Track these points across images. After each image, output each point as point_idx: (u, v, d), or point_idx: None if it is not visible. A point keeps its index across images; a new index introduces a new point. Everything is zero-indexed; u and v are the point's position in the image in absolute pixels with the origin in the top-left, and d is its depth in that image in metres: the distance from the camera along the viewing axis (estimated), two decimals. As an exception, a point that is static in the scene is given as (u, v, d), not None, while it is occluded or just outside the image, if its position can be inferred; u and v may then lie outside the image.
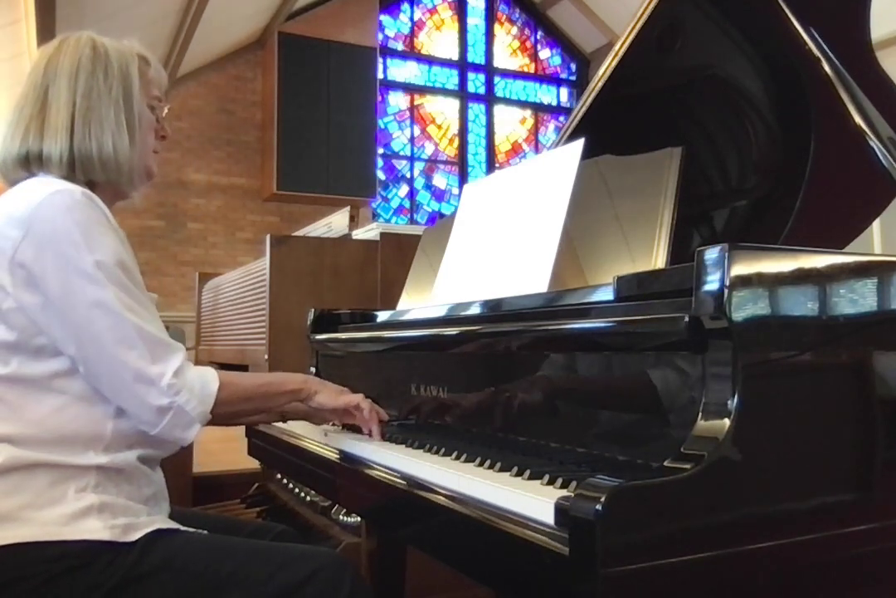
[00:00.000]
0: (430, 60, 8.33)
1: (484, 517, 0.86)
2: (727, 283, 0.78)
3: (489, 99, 8.59)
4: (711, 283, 0.79)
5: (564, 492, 0.82)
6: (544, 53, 8.91)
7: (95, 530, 1.03)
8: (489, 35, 8.59)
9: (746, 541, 0.76)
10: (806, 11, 1.35)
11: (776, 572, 0.78)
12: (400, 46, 8.18)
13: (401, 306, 1.72)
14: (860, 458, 0.85)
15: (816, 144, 1.36)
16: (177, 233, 6.90)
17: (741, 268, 0.79)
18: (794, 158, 1.39)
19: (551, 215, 1.25)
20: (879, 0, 1.46)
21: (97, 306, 1.04)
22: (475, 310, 1.26)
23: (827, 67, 1.31)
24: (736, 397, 0.77)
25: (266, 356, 2.36)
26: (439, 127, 8.34)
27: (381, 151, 7.81)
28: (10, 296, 1.06)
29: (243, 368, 2.67)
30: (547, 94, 8.93)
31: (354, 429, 1.36)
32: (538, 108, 8.89)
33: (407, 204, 8.12)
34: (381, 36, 7.87)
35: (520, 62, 8.82)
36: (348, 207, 2.98)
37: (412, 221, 7.96)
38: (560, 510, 0.76)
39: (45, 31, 4.22)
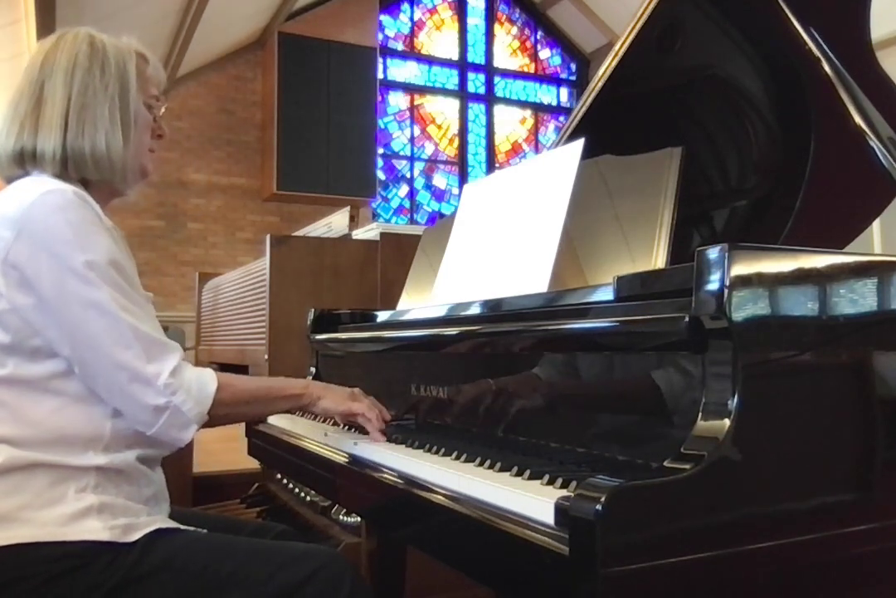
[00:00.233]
0: (430, 60, 8.33)
1: (484, 517, 0.86)
2: (727, 283, 0.78)
3: (489, 99, 8.59)
4: (711, 283, 0.79)
5: (564, 492, 0.82)
6: (544, 53, 8.91)
7: (95, 530, 1.02)
8: (489, 35, 8.59)
9: (746, 541, 0.76)
10: (806, 11, 1.35)
11: (776, 572, 0.78)
12: (400, 46, 8.18)
13: (401, 306, 1.72)
14: (860, 458, 0.85)
15: (816, 144, 1.36)
16: (177, 233, 6.89)
17: (741, 268, 0.79)
18: (794, 158, 1.39)
19: (551, 215, 1.25)
20: (879, 0, 1.46)
21: (92, 306, 1.04)
22: (475, 310, 1.26)
23: (827, 67, 1.31)
24: (736, 397, 0.77)
25: (266, 356, 2.35)
26: (439, 127, 8.34)
27: (381, 151, 7.81)
28: (4, 297, 1.05)
29: (243, 368, 2.67)
30: (547, 95, 8.93)
31: (358, 426, 1.36)
32: (538, 108, 8.88)
33: (407, 204, 8.12)
34: (381, 36, 7.86)
35: (520, 62, 8.81)
36: (348, 207, 2.98)
37: (412, 221, 7.96)
38: (560, 509, 0.76)
39: (45, 31, 4.21)
